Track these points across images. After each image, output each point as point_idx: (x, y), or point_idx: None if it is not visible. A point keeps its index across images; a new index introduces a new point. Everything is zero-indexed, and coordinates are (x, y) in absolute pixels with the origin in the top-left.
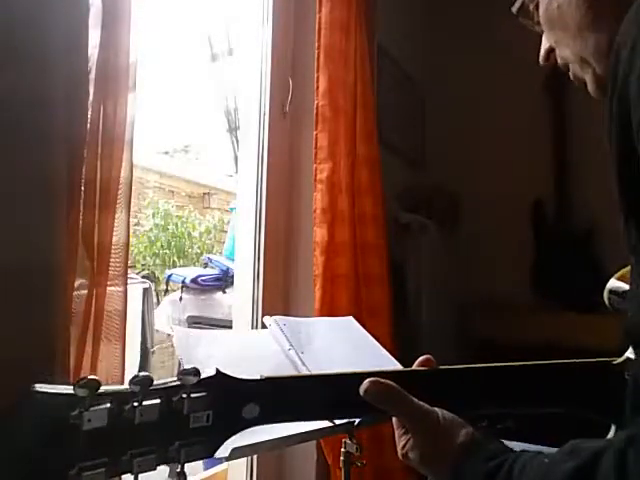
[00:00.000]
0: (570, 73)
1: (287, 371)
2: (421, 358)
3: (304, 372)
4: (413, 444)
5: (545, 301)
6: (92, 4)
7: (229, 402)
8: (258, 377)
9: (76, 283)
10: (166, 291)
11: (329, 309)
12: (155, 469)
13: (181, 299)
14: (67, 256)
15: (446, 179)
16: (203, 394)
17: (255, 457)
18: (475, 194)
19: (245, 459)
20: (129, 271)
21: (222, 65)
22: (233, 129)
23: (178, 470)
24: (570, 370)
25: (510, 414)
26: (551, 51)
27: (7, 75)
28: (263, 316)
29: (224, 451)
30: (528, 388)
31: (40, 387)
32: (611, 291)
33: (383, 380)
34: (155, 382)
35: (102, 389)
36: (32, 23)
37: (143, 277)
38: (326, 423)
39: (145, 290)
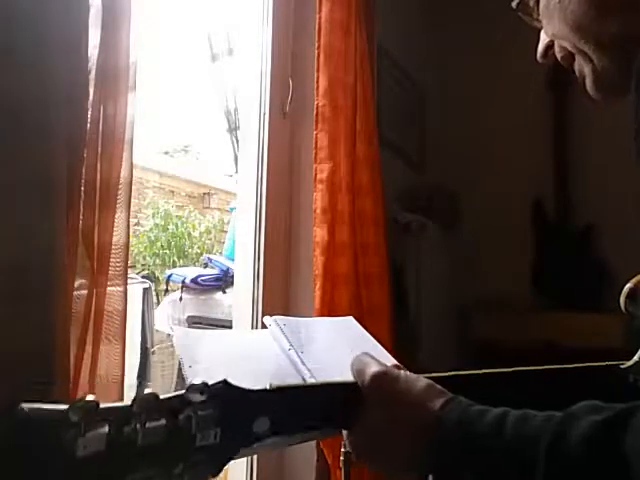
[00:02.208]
0: (575, 65)
1: (287, 371)
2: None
3: (304, 372)
4: (381, 415)
5: (545, 301)
6: (92, 4)
7: (239, 417)
8: (267, 387)
9: (76, 283)
10: (166, 291)
11: (329, 309)
12: None
13: (181, 299)
14: (67, 256)
15: (446, 179)
16: (211, 411)
17: (255, 457)
18: (475, 194)
19: (245, 459)
20: (129, 271)
21: (222, 65)
22: (233, 129)
23: None
24: (568, 374)
25: None
26: (549, 47)
27: (7, 75)
28: (263, 316)
29: None
30: (524, 392)
31: (28, 407)
32: (628, 295)
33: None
34: (160, 396)
35: (101, 407)
36: (32, 23)
37: (143, 277)
38: None
39: (145, 290)
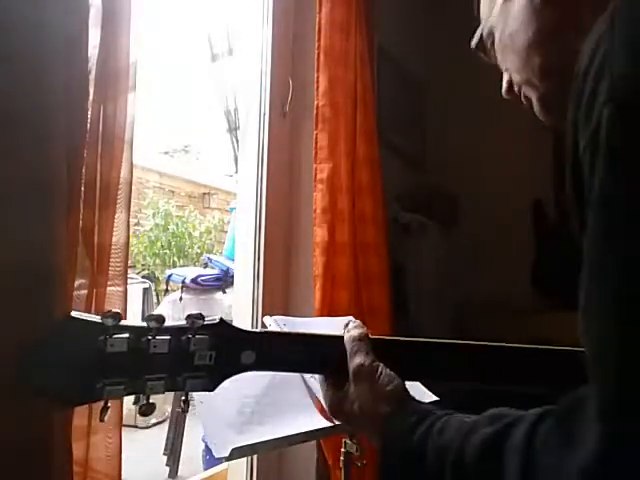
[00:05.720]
0: (522, 98)
1: None
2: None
3: None
4: (354, 395)
5: (545, 301)
6: (92, 4)
7: (230, 346)
8: (257, 330)
9: (76, 283)
10: (166, 291)
11: (329, 309)
12: (163, 393)
13: (181, 299)
14: (67, 256)
15: (446, 179)
16: (207, 336)
17: (255, 457)
18: (475, 194)
19: (245, 459)
20: (129, 271)
21: (222, 65)
22: (233, 129)
23: (183, 398)
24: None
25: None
26: (512, 84)
27: (7, 75)
28: (263, 316)
29: (224, 451)
30: (504, 366)
31: (75, 314)
32: None
33: (363, 327)
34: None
35: (123, 323)
36: (32, 23)
37: (143, 277)
38: (326, 423)
39: (145, 290)
